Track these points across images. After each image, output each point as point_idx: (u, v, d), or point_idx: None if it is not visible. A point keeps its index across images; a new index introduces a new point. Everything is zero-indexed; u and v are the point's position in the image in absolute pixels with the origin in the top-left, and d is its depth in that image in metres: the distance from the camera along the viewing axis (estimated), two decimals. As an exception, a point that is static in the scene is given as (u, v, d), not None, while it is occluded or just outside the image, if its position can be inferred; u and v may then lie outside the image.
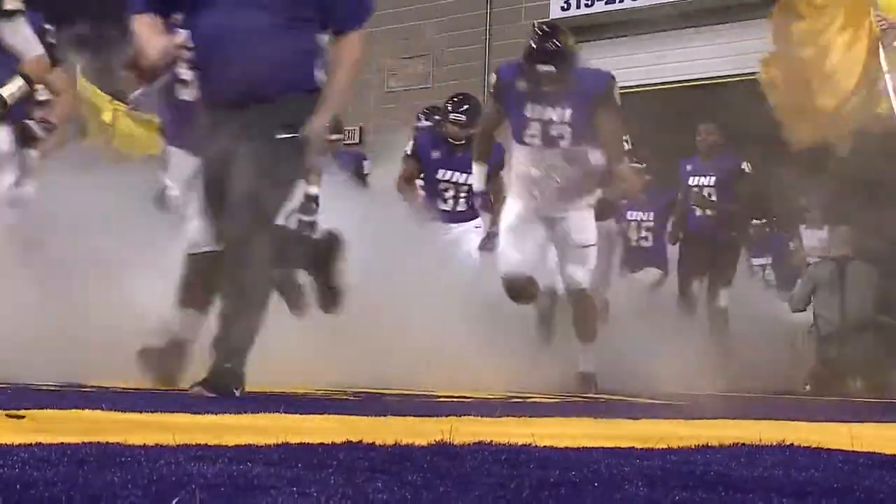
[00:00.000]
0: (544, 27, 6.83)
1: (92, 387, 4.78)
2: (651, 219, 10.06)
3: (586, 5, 14.19)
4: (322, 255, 4.93)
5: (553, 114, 6.58)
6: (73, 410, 3.19)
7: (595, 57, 14.08)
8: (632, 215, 9.92)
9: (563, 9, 14.33)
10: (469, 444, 2.51)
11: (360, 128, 15.59)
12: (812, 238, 11.35)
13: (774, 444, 2.85)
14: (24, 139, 6.02)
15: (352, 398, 4.78)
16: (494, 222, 7.56)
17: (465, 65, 14.88)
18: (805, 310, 9.85)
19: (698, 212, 9.79)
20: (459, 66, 14.93)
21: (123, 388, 4.66)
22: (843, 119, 8.21)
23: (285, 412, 3.42)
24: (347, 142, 15.59)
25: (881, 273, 9.58)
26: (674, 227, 10.01)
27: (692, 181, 9.92)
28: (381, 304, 5.98)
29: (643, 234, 10.09)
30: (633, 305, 8.46)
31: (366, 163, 9.82)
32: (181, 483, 1.74)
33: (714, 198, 9.76)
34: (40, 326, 5.16)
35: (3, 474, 1.76)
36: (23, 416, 2.67)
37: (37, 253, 5.72)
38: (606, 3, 14.04)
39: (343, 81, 4.59)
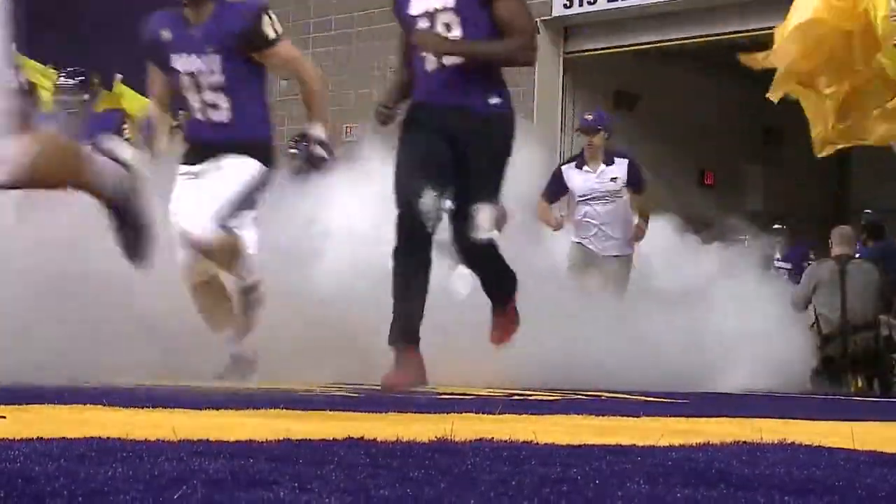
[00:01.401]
0: None
1: (94, 383, 4.78)
2: None
3: (589, 3, 14.17)
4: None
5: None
6: (75, 406, 3.19)
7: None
8: None
9: (565, 6, 14.32)
10: (470, 441, 2.51)
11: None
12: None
13: (776, 442, 2.85)
14: None
15: (352, 395, 4.78)
16: None
17: (467, 62, 14.86)
18: (806, 309, 9.85)
19: (430, 65, 5.48)
20: (461, 64, 14.92)
21: (124, 384, 4.66)
22: None
23: (286, 409, 3.42)
24: (348, 139, 15.62)
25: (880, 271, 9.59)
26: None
27: (412, 8, 5.57)
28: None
29: None
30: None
31: None
32: (183, 478, 1.74)
33: (459, 32, 5.42)
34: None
35: (5, 469, 1.76)
36: (3, 417, 2.67)
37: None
38: (609, 1, 14.03)
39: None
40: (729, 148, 16.20)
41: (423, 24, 5.48)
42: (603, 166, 9.17)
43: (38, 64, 11.46)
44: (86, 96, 8.03)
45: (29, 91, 9.37)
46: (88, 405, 3.20)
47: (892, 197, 15.48)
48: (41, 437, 2.20)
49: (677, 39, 14.86)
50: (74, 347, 5.05)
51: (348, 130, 15.67)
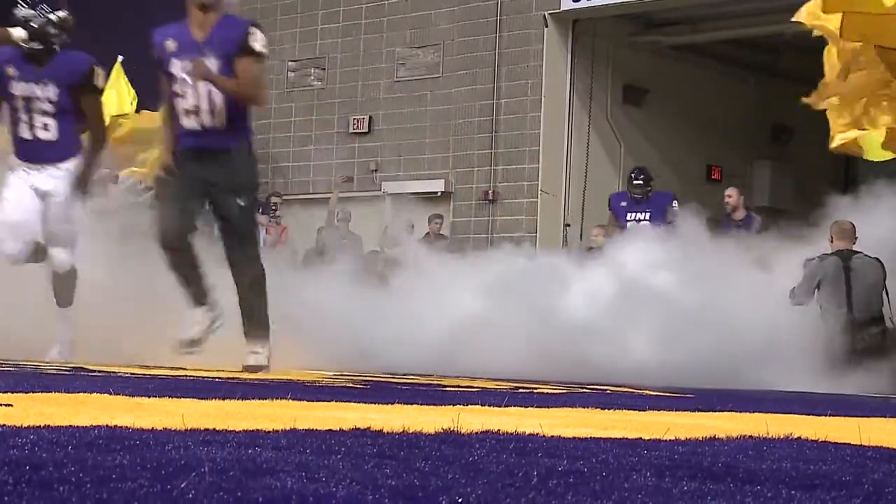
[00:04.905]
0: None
1: (100, 371, 4.79)
2: None
3: (597, -4, 14.13)
4: None
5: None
6: (82, 394, 3.19)
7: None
8: None
9: (574, 0, 14.28)
10: (476, 433, 2.51)
11: (370, 117, 15.61)
12: None
13: (782, 436, 2.84)
14: None
15: (359, 386, 4.78)
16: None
17: (475, 55, 14.84)
18: (807, 304, 9.79)
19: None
20: (469, 56, 14.90)
21: (131, 373, 4.67)
22: None
23: (293, 399, 3.42)
24: (356, 130, 15.63)
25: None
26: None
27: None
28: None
29: None
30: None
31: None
32: (190, 467, 1.74)
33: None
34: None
35: (13, 456, 1.76)
36: (10, 405, 2.68)
37: None
38: (617, -6, 13.99)
39: None
40: (737, 144, 16.16)
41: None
42: None
43: None
44: None
45: None
46: (95, 393, 3.21)
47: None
48: (49, 425, 2.20)
49: (688, 36, 14.85)
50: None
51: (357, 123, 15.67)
